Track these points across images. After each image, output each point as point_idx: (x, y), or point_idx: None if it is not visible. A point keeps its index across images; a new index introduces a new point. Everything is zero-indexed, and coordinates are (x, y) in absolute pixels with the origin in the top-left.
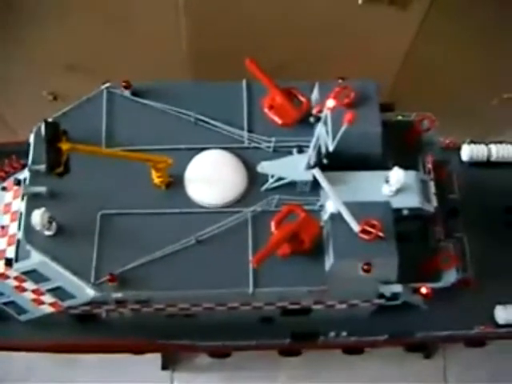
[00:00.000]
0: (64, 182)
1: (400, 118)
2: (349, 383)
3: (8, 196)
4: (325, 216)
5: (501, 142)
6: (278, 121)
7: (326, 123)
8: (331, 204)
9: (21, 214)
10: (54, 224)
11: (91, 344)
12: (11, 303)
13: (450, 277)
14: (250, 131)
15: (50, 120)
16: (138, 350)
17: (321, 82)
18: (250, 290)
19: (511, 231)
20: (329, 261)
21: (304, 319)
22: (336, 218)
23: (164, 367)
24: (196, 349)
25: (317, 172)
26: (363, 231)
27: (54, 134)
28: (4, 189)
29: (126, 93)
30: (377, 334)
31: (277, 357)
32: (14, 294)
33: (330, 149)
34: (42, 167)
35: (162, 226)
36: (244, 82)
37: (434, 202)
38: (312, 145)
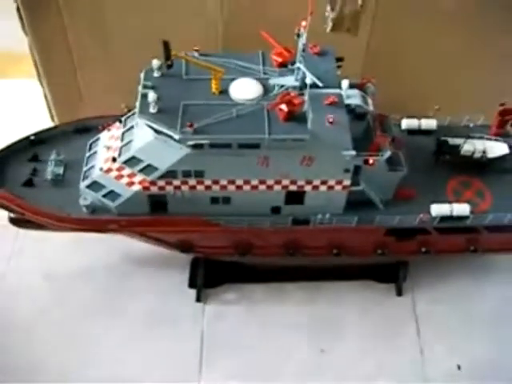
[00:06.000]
0: (162, 87)
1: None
2: (330, 309)
3: (113, 131)
4: (306, 96)
5: (427, 117)
6: (279, 60)
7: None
8: (309, 78)
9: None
10: (156, 106)
11: (161, 221)
12: (109, 193)
13: (387, 152)
14: (264, 68)
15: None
16: (190, 231)
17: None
18: (266, 134)
19: (437, 166)
20: (310, 121)
21: (300, 209)
22: (313, 93)
23: (198, 299)
24: (223, 231)
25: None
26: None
27: (166, 44)
28: (109, 130)
29: (196, 54)
30: (349, 219)
31: (285, 294)
32: (113, 183)
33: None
34: (149, 83)
35: (217, 111)
36: (260, 52)
37: (371, 107)
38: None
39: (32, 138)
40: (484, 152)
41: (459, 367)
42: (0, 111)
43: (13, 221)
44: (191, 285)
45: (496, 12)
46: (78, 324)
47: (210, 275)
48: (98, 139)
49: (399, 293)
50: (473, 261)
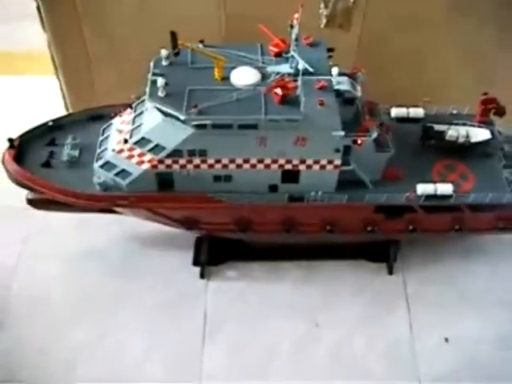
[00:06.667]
0: (169, 74)
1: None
2: (324, 287)
3: (124, 116)
4: (299, 81)
5: (415, 106)
6: (275, 49)
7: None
8: (301, 65)
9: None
10: (164, 91)
11: (168, 197)
12: (121, 172)
13: (374, 133)
14: (262, 58)
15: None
16: (195, 207)
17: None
18: (262, 115)
19: (423, 149)
20: (302, 104)
21: (295, 187)
22: (305, 79)
23: (202, 276)
24: (225, 207)
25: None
26: (321, 87)
27: (174, 34)
28: (120, 116)
29: (200, 46)
30: (340, 197)
31: (282, 272)
32: (124, 163)
33: None
34: (158, 71)
35: (219, 95)
36: (259, 44)
37: (359, 92)
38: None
39: (50, 124)
40: (467, 137)
41: (447, 340)
42: (21, 104)
43: (30, 202)
44: (195, 263)
45: (482, 9)
46: (88, 305)
47: (213, 253)
48: (110, 124)
49: (390, 271)
50: (461, 243)
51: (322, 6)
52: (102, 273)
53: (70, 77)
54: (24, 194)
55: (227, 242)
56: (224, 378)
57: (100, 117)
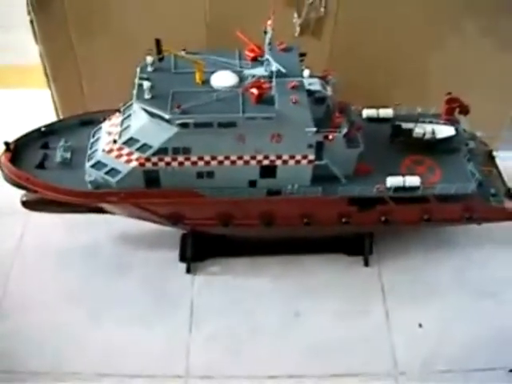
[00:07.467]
0: (154, 78)
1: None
2: (303, 280)
3: (113, 120)
4: (274, 82)
5: (384, 107)
6: (251, 55)
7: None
8: (274, 66)
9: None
10: (150, 93)
11: (154, 193)
12: (110, 170)
13: (344, 129)
14: (240, 63)
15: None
16: (178, 203)
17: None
18: (240, 113)
19: (393, 146)
20: (276, 102)
21: (273, 182)
22: (279, 80)
23: (188, 271)
24: (208, 202)
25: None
26: (293, 87)
27: (158, 41)
28: (110, 119)
29: (183, 52)
30: (315, 190)
31: (263, 267)
32: (113, 162)
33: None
34: (144, 75)
35: (200, 97)
36: (237, 50)
37: (330, 92)
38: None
39: (43, 129)
40: (433, 134)
41: (420, 325)
42: (15, 116)
43: (24, 203)
44: (182, 258)
45: (450, 16)
46: (78, 300)
47: (198, 249)
48: (100, 128)
49: (366, 264)
50: (433, 236)
51: (296, 15)
52: (92, 269)
53: (61, 87)
54: (19, 195)
55: (211, 238)
56: (209, 367)
57: (90, 122)
